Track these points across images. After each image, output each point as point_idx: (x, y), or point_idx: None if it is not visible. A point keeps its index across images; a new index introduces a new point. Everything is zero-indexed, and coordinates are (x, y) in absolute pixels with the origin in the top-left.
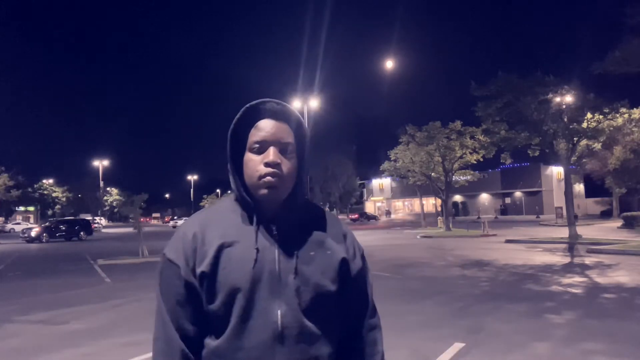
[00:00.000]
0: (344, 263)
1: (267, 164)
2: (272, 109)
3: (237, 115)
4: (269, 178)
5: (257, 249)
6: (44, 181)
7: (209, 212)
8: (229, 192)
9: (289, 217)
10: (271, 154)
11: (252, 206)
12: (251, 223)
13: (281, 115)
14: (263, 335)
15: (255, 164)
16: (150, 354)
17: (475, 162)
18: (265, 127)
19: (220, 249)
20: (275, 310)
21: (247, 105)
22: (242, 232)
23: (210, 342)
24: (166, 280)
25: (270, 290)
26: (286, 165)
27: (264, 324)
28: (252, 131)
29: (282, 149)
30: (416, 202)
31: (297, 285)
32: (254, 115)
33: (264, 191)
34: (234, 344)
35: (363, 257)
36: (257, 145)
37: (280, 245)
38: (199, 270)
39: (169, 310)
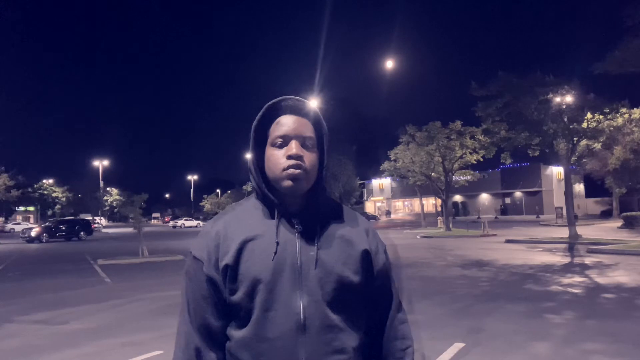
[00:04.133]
0: (366, 255)
1: (290, 157)
2: (292, 105)
3: (260, 113)
4: (292, 170)
5: (278, 242)
6: (44, 181)
7: (232, 211)
8: (229, 192)
9: (311, 210)
10: (294, 146)
11: (274, 201)
12: (273, 218)
13: (302, 111)
14: (285, 326)
15: (278, 158)
16: (150, 354)
17: (475, 162)
18: (287, 122)
19: (243, 243)
20: (297, 301)
21: (269, 103)
22: (264, 226)
23: (235, 333)
24: (191, 276)
25: (292, 282)
26: (308, 158)
27: (286, 315)
28: (274, 126)
29: (304, 143)
30: (416, 202)
31: (319, 277)
32: (275, 112)
33: (287, 183)
34: (258, 335)
35: (386, 253)
36: (279, 140)
37: (302, 238)
38: (222, 264)
39: (193, 305)
